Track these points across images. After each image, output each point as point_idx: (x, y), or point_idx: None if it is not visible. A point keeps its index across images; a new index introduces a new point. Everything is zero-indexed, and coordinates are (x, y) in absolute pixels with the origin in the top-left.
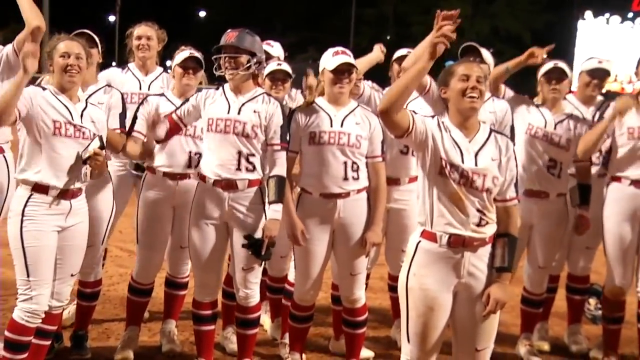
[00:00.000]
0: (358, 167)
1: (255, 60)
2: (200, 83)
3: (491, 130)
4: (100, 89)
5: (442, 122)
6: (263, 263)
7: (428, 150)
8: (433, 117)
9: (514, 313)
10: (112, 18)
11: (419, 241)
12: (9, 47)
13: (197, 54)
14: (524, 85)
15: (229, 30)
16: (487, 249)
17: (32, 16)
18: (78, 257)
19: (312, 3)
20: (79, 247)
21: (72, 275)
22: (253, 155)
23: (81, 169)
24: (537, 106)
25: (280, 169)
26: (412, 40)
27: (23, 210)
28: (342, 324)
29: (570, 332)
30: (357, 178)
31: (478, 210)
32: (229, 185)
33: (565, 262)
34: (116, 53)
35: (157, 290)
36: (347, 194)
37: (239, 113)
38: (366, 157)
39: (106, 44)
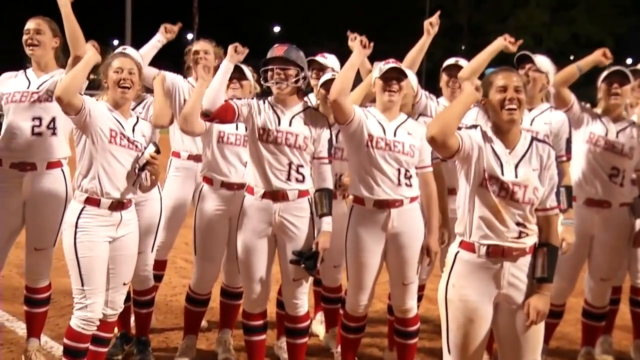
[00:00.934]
0: (411, 175)
1: (303, 74)
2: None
3: (532, 139)
4: (140, 103)
5: (485, 133)
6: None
7: (472, 162)
8: (476, 127)
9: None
10: (189, 36)
11: (458, 252)
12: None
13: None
14: (584, 94)
15: (276, 45)
16: (527, 259)
17: (81, 41)
18: (129, 267)
19: (384, 15)
20: (130, 257)
21: (124, 284)
22: (302, 166)
23: (133, 180)
24: (598, 115)
25: (329, 182)
26: None
27: (76, 223)
28: (394, 334)
29: (637, 346)
30: (410, 185)
31: (518, 224)
32: (280, 195)
33: (626, 272)
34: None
35: (217, 300)
36: (401, 203)
37: (290, 125)
38: (416, 168)
39: (184, 61)
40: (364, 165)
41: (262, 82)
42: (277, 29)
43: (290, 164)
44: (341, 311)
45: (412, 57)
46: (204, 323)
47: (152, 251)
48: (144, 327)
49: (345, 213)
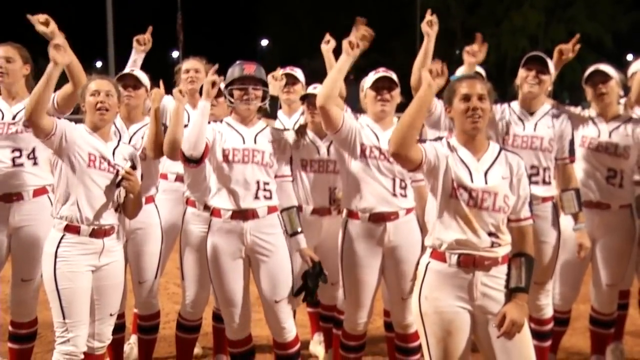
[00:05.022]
0: (405, 185)
1: (268, 92)
2: None
3: (501, 149)
4: (144, 125)
5: (449, 143)
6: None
7: (439, 174)
8: (440, 138)
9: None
10: (175, 54)
11: (429, 262)
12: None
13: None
14: (579, 97)
15: (240, 62)
16: (500, 269)
17: (82, 77)
18: (115, 297)
19: (374, 27)
20: (116, 286)
21: (111, 314)
22: (268, 183)
23: (115, 205)
24: (590, 117)
25: (294, 200)
26: None
27: (56, 252)
28: (395, 351)
29: None
30: (405, 196)
31: (490, 234)
32: (249, 214)
33: (634, 276)
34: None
35: (211, 325)
36: (397, 215)
37: (255, 143)
38: (412, 180)
39: (169, 79)
40: (358, 175)
41: (228, 100)
42: (265, 42)
43: (258, 182)
44: (335, 331)
45: (419, 64)
46: (197, 350)
47: (155, 278)
48: (148, 354)
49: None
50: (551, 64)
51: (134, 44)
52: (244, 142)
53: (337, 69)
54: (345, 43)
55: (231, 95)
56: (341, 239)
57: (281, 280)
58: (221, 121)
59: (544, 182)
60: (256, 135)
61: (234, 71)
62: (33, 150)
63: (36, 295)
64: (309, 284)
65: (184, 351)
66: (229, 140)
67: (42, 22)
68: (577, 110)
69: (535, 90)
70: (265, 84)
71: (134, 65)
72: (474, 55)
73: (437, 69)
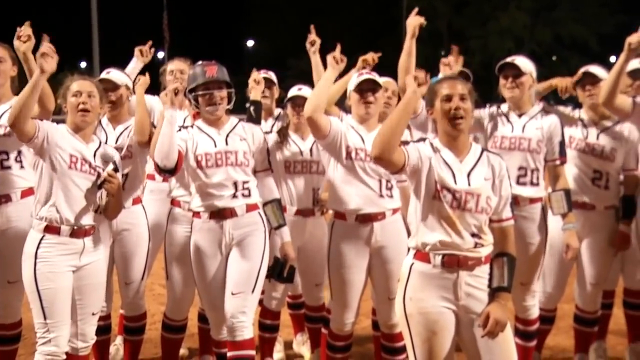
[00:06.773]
0: (392, 186)
1: (233, 92)
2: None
3: (483, 150)
4: (131, 125)
5: (432, 144)
6: (256, 292)
7: (422, 176)
8: (424, 139)
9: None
10: (160, 54)
11: (412, 263)
12: None
13: None
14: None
15: (201, 64)
16: (484, 269)
17: (50, 100)
18: (97, 296)
19: (363, 24)
20: (97, 286)
21: (93, 314)
22: (247, 181)
23: (95, 205)
24: (579, 118)
25: (276, 192)
26: (469, 54)
27: (36, 253)
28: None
29: (632, 351)
30: (391, 196)
31: (473, 235)
32: (227, 213)
33: (619, 276)
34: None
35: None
36: (383, 215)
37: (227, 144)
38: (397, 181)
39: (155, 80)
40: (344, 177)
41: (193, 105)
42: (251, 42)
43: (235, 183)
44: (324, 330)
45: (404, 65)
46: (183, 351)
47: (142, 279)
48: (134, 355)
49: (324, 229)
50: (525, 63)
51: (136, 52)
52: (215, 146)
53: (324, 81)
54: (329, 58)
55: (196, 100)
56: (328, 239)
57: (244, 274)
58: (192, 126)
59: (532, 184)
60: (227, 136)
61: (196, 75)
62: (19, 153)
63: (21, 297)
64: (279, 275)
65: (170, 352)
66: (201, 146)
67: (23, 40)
68: (567, 109)
69: (517, 94)
70: (229, 85)
71: (132, 72)
72: (449, 66)
73: (420, 77)
